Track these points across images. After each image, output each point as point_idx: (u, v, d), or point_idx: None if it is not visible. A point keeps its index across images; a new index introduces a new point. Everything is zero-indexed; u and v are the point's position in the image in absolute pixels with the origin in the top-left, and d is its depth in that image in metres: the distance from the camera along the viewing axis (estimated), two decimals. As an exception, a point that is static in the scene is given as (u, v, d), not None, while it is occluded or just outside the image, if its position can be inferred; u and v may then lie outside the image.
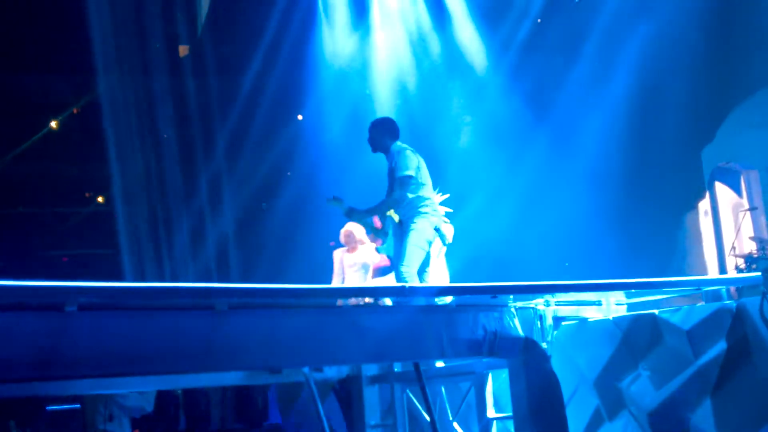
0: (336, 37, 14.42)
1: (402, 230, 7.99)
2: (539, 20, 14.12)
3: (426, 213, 7.94)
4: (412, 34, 14.57)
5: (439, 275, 8.38)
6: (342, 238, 9.13)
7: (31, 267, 13.30)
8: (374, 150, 8.21)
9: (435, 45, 14.50)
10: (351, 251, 9.08)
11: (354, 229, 9.07)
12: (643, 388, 7.60)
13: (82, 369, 5.95)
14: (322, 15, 14.44)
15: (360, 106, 14.06)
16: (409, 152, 8.01)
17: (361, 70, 14.29)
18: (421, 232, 7.90)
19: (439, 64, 14.47)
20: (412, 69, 14.39)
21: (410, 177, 7.88)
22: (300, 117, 14.66)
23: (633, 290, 7.93)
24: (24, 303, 5.75)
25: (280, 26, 13.91)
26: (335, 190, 13.39)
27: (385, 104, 14.10)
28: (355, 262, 8.97)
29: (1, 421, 10.52)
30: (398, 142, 8.12)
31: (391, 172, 7.97)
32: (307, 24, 14.30)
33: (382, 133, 8.11)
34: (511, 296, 7.33)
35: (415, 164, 7.96)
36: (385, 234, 8.94)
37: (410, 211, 7.93)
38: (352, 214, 8.15)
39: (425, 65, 14.50)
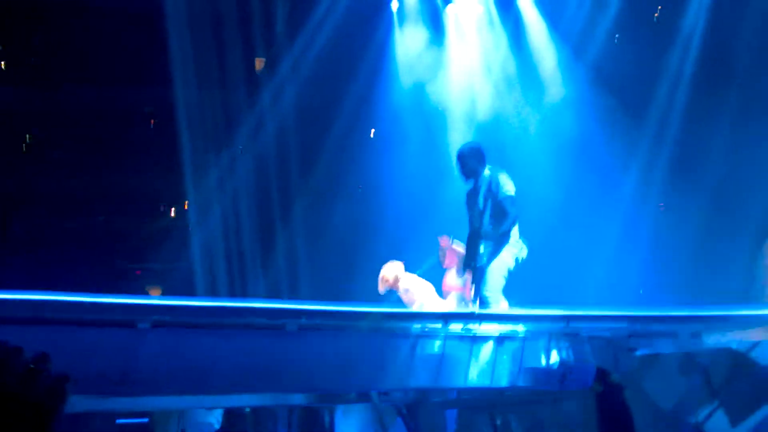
0: (410, 51, 14.40)
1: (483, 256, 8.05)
2: (616, 36, 13.86)
3: (511, 242, 7.99)
4: (487, 48, 14.47)
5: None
6: None
7: (106, 278, 13.51)
8: (467, 178, 8.22)
9: (509, 60, 14.38)
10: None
11: (382, 274, 9.17)
12: (720, 424, 7.40)
13: (154, 386, 6.01)
14: (397, 28, 14.43)
15: (433, 122, 14.02)
16: (506, 175, 8.06)
17: (437, 87, 14.25)
18: (504, 259, 7.94)
19: (513, 78, 14.33)
20: (487, 84, 14.28)
21: (515, 197, 7.97)
22: (373, 131, 14.66)
23: (711, 323, 7.69)
24: (98, 319, 5.83)
25: (354, 40, 13.94)
26: (406, 206, 13.43)
27: (458, 120, 14.02)
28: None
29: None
30: (490, 165, 8.15)
31: (489, 195, 8.00)
32: (382, 38, 14.31)
33: (475, 160, 8.15)
34: (585, 324, 7.18)
35: (514, 187, 8.01)
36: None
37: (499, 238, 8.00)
38: (486, 234, 8.15)
39: (499, 80, 14.38)
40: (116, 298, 5.88)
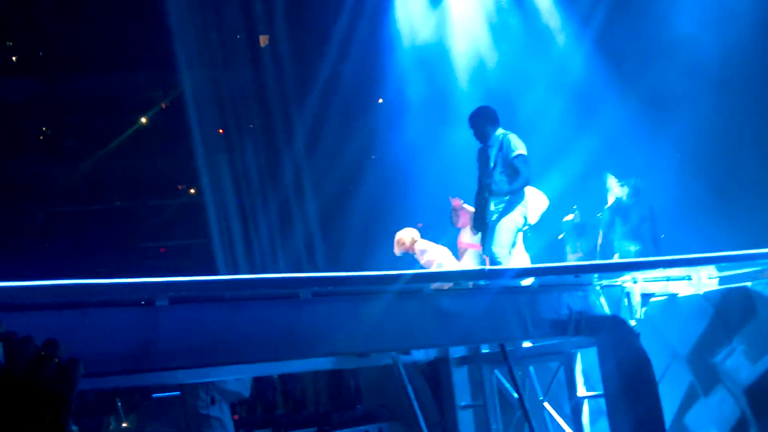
0: (412, 17, 14.37)
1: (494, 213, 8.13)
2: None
3: (522, 201, 8.06)
4: (489, 7, 14.42)
5: (520, 257, 8.39)
6: None
7: (131, 259, 13.73)
8: (483, 141, 8.30)
9: (513, 16, 14.34)
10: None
11: (398, 237, 9.29)
12: (739, 363, 7.46)
13: (174, 361, 6.14)
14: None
15: (440, 85, 14.01)
16: (517, 137, 8.13)
17: (439, 47, 14.21)
18: (515, 217, 8.04)
19: (518, 36, 14.30)
20: (491, 43, 14.25)
21: (527, 157, 8.03)
22: (381, 100, 14.68)
23: (723, 263, 7.72)
24: (117, 300, 5.98)
25: (355, 11, 13.96)
26: (419, 171, 13.49)
27: (464, 81, 14.00)
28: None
29: (110, 406, 11.00)
30: (501, 128, 8.21)
31: (500, 154, 8.09)
32: (383, 5, 14.30)
33: (486, 122, 8.23)
34: (596, 275, 7.24)
35: (526, 148, 8.07)
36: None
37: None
38: (496, 192, 8.24)
39: (504, 38, 14.35)
40: (133, 278, 6.01)
